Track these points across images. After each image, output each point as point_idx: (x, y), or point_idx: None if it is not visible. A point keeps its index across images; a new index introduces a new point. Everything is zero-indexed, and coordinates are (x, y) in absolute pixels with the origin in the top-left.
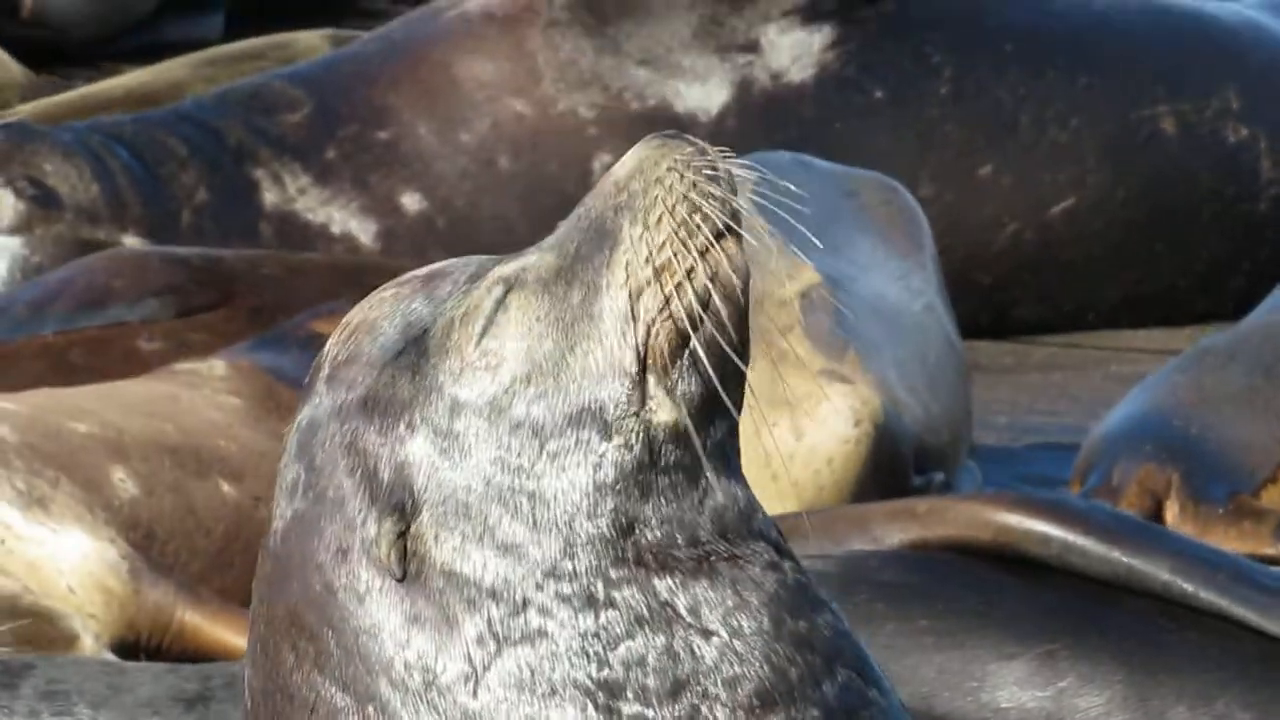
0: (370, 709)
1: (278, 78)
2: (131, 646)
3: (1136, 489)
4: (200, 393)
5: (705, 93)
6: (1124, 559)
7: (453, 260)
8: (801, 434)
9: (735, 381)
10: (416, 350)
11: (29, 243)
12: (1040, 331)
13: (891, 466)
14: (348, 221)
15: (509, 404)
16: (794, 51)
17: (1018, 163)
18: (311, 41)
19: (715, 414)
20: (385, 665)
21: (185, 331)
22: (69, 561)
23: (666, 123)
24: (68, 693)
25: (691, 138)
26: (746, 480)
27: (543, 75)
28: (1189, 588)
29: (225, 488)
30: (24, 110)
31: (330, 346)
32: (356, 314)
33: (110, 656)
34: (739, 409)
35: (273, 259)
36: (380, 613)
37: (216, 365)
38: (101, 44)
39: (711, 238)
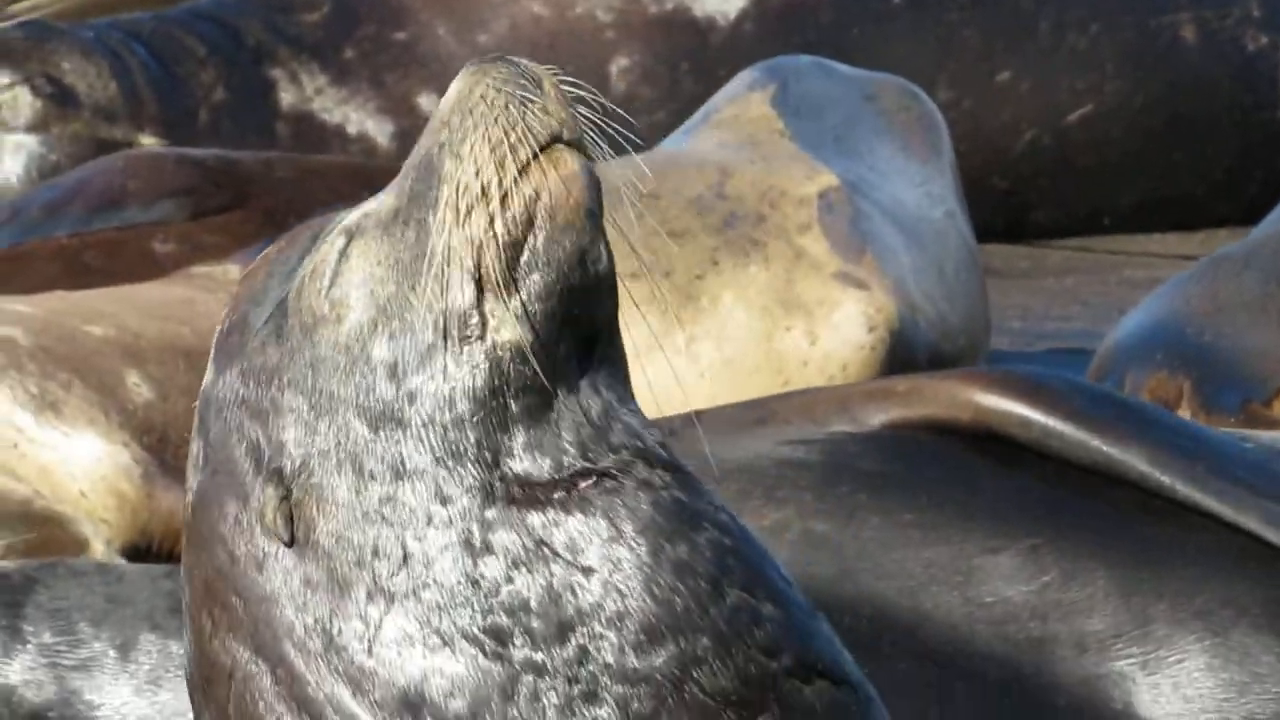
0: (280, 671)
1: None
2: (143, 551)
3: (1148, 397)
4: (215, 296)
5: None
6: (1103, 447)
7: (312, 222)
8: (816, 339)
9: (590, 287)
10: (280, 313)
11: (46, 141)
12: (1055, 235)
13: (906, 373)
14: (364, 122)
15: (360, 351)
16: None
17: (1036, 68)
18: None
19: (564, 326)
20: (288, 629)
21: (200, 233)
22: (81, 465)
23: (683, 27)
24: (67, 610)
25: (512, 58)
26: (620, 390)
27: None
28: (1165, 479)
29: None
30: (47, 6)
31: (222, 319)
32: (237, 292)
33: (121, 562)
34: (607, 313)
35: (287, 161)
36: (278, 579)
37: (232, 269)
38: None
39: (534, 150)
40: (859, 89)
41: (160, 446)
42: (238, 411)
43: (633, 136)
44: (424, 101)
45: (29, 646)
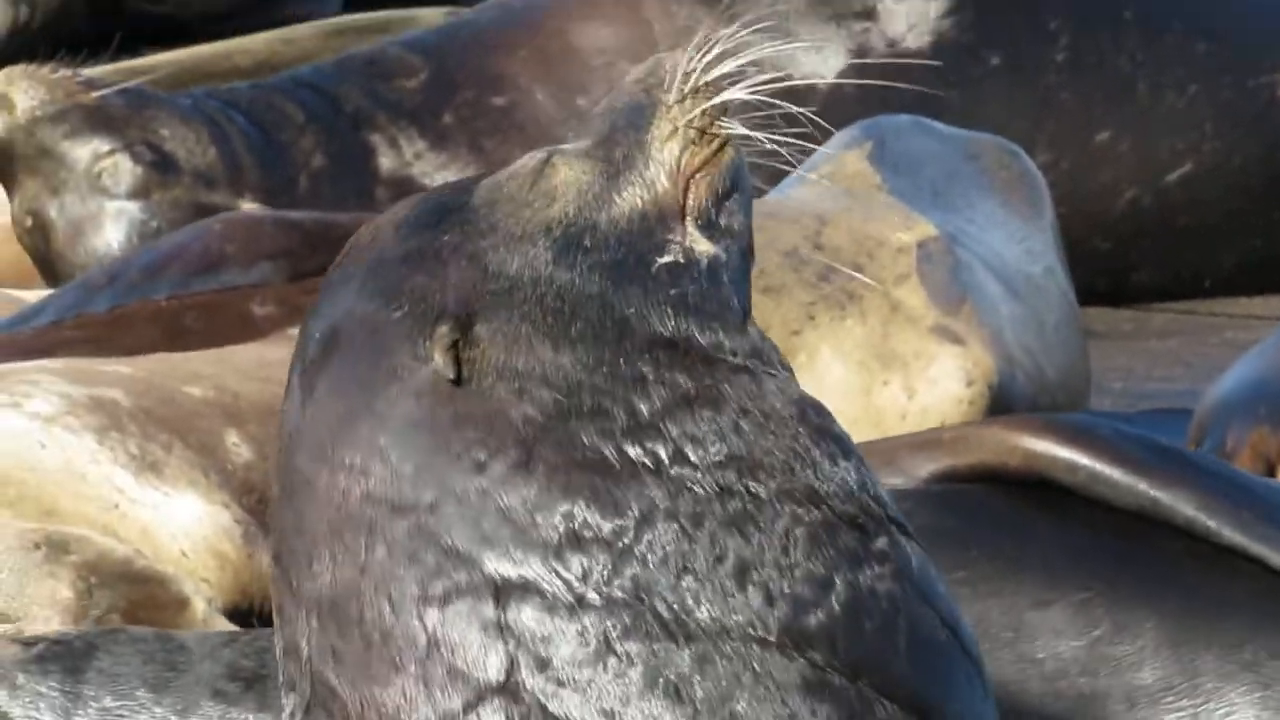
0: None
1: (395, 45)
2: (244, 612)
3: (1250, 453)
4: None
5: (821, 60)
6: (1150, 491)
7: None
8: (914, 393)
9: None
10: (464, 206)
11: (146, 207)
12: (1157, 299)
13: None
14: None
15: (561, 231)
16: (910, 19)
17: (1135, 129)
18: (434, 19)
19: (743, 258)
20: (443, 462)
21: (298, 295)
22: (182, 526)
23: (781, 91)
24: (128, 675)
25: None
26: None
27: (659, 42)
28: (1212, 524)
29: None
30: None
31: (351, 248)
32: (400, 206)
33: (223, 622)
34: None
35: None
36: (430, 412)
37: None
38: (222, 19)
39: (713, 89)
40: (958, 146)
41: (260, 507)
42: (414, 254)
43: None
44: None
45: (90, 710)
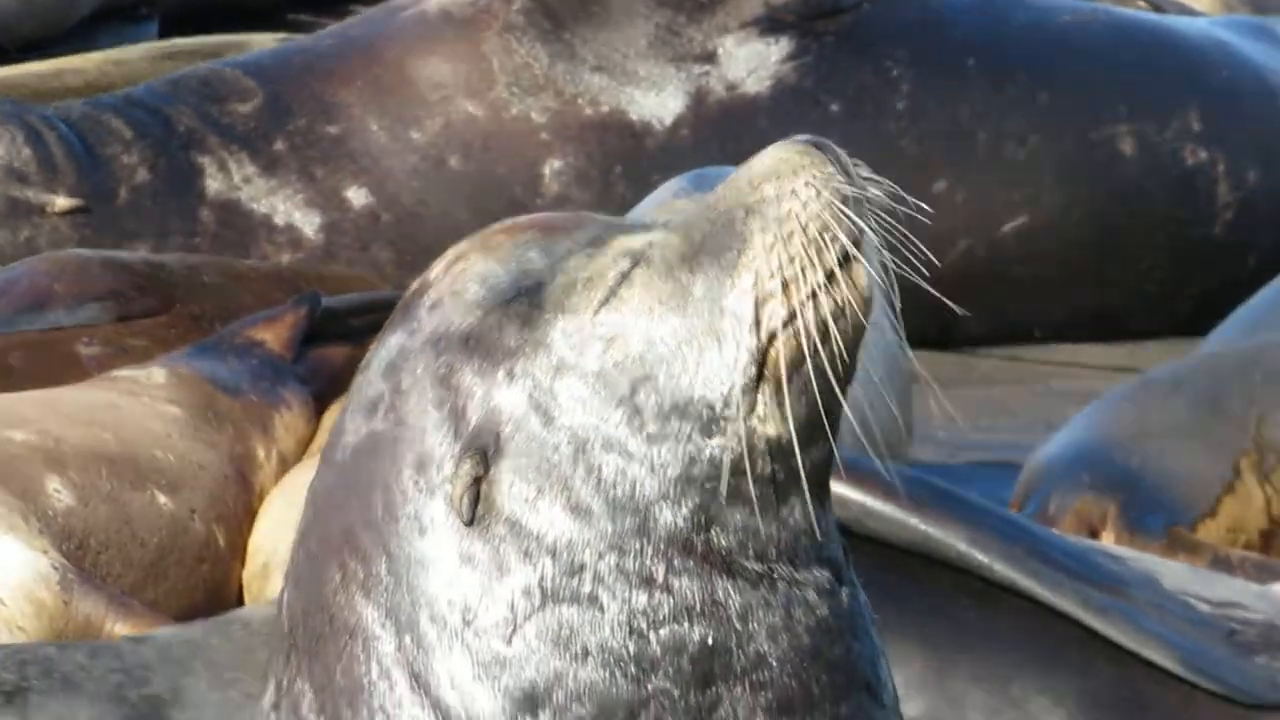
0: (408, 639)
1: (232, 66)
2: None
3: (1073, 518)
4: (139, 401)
5: (660, 101)
6: (921, 526)
7: (567, 215)
8: None
9: (838, 411)
10: (530, 301)
11: None
12: (985, 344)
13: None
14: (292, 213)
15: (616, 378)
16: (750, 63)
17: (973, 179)
18: (266, 44)
19: (817, 438)
20: (430, 599)
21: (125, 337)
22: None
23: (619, 131)
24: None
25: (832, 147)
26: (832, 507)
27: (497, 79)
28: (984, 559)
29: (161, 499)
30: None
31: (435, 276)
32: (469, 249)
33: None
34: (836, 438)
35: (214, 265)
36: (438, 549)
37: (156, 373)
38: (42, 44)
39: (839, 260)
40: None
41: (79, 554)
42: (447, 373)
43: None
44: (353, 195)
45: None
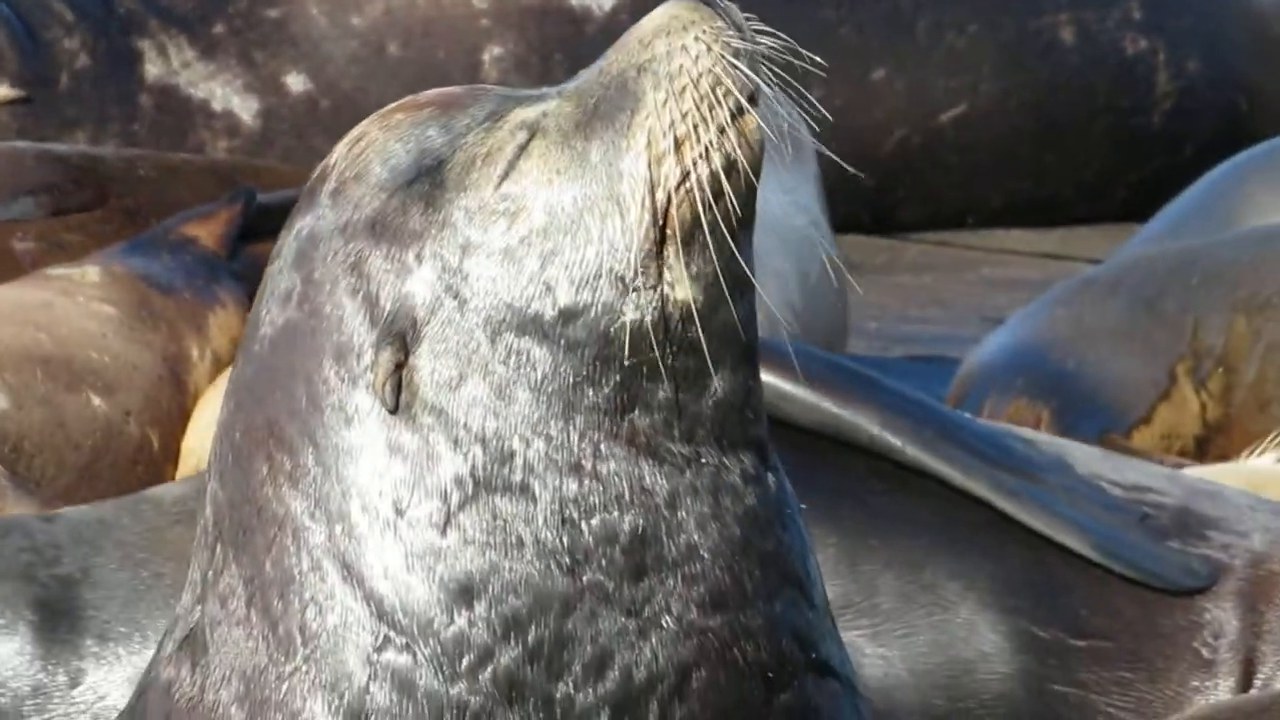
0: (338, 529)
1: None
2: None
3: (1007, 423)
4: (74, 300)
5: None
6: (832, 409)
7: (465, 89)
8: None
9: (741, 271)
10: (431, 181)
11: None
12: (914, 229)
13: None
14: (230, 98)
15: (524, 255)
16: None
17: (911, 68)
18: None
19: (730, 296)
20: (360, 489)
21: (59, 231)
22: None
23: (558, 17)
24: None
25: (722, 2)
26: (758, 383)
27: None
28: (895, 442)
29: (96, 401)
30: None
31: (336, 159)
32: (367, 130)
33: None
34: (753, 284)
35: (149, 159)
36: (364, 437)
37: (90, 271)
38: None
39: (731, 113)
40: None
41: (13, 456)
42: (357, 260)
43: (808, 96)
44: (291, 81)
45: None
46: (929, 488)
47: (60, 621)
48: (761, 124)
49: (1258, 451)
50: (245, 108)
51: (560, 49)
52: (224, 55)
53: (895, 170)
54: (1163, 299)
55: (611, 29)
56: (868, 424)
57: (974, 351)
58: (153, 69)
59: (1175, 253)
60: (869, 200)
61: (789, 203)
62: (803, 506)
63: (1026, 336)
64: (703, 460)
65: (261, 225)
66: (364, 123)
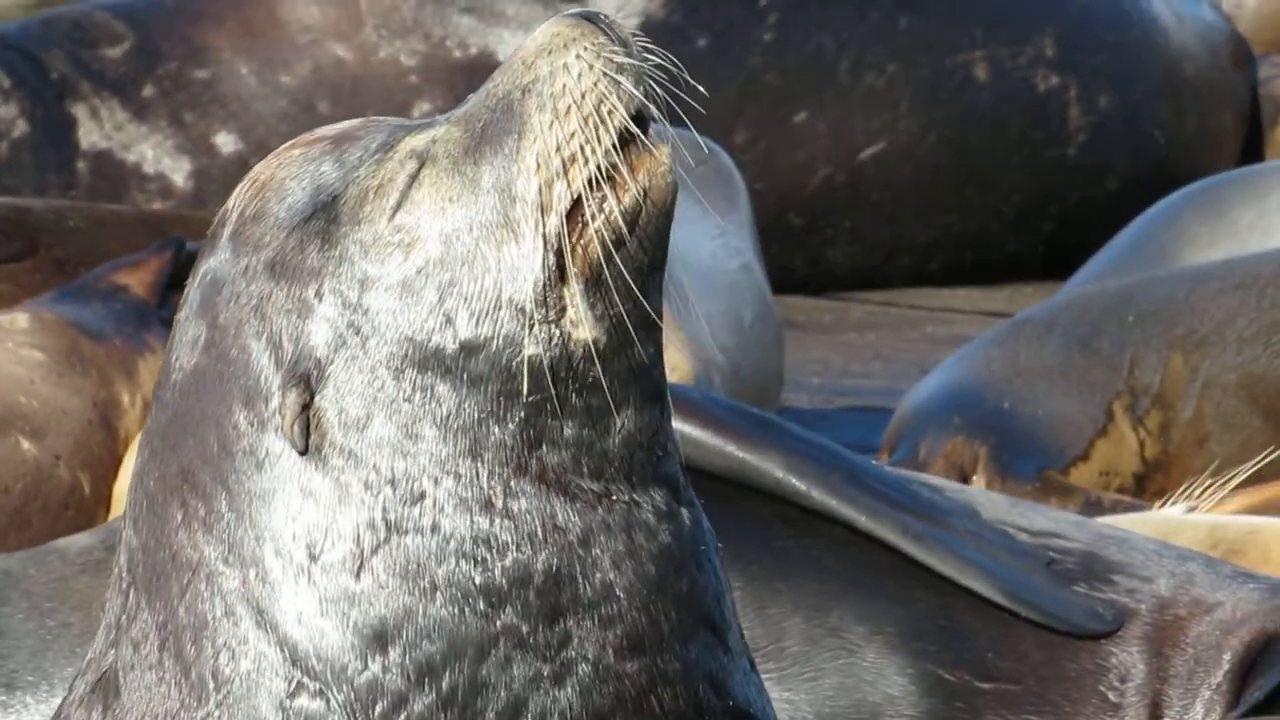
0: (252, 574)
1: (101, 8)
2: None
3: (943, 462)
4: (3, 347)
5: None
6: (738, 454)
7: (358, 122)
8: None
9: (656, 299)
10: (326, 217)
11: None
12: (858, 287)
13: None
14: (161, 160)
15: (422, 286)
16: (618, 0)
17: (833, 109)
18: None
19: (637, 334)
20: (274, 534)
21: None
22: None
23: (488, 72)
24: None
25: (604, 19)
26: (669, 404)
27: (365, 21)
28: (800, 486)
29: (25, 445)
30: None
31: (235, 201)
32: (263, 170)
33: None
34: (659, 327)
35: (79, 210)
36: (276, 482)
37: (19, 318)
38: None
39: (616, 135)
40: None
41: None
42: (259, 302)
43: (700, 109)
44: (221, 141)
45: None
46: (835, 532)
47: None
48: (671, 163)
49: (1170, 502)
50: (177, 169)
51: None
52: (155, 117)
53: (821, 209)
54: (1099, 337)
55: None
56: (773, 468)
57: (910, 392)
58: (87, 134)
59: (1111, 291)
60: (798, 239)
61: (718, 246)
62: (719, 545)
63: (963, 376)
64: (614, 497)
65: (190, 273)
66: (261, 162)
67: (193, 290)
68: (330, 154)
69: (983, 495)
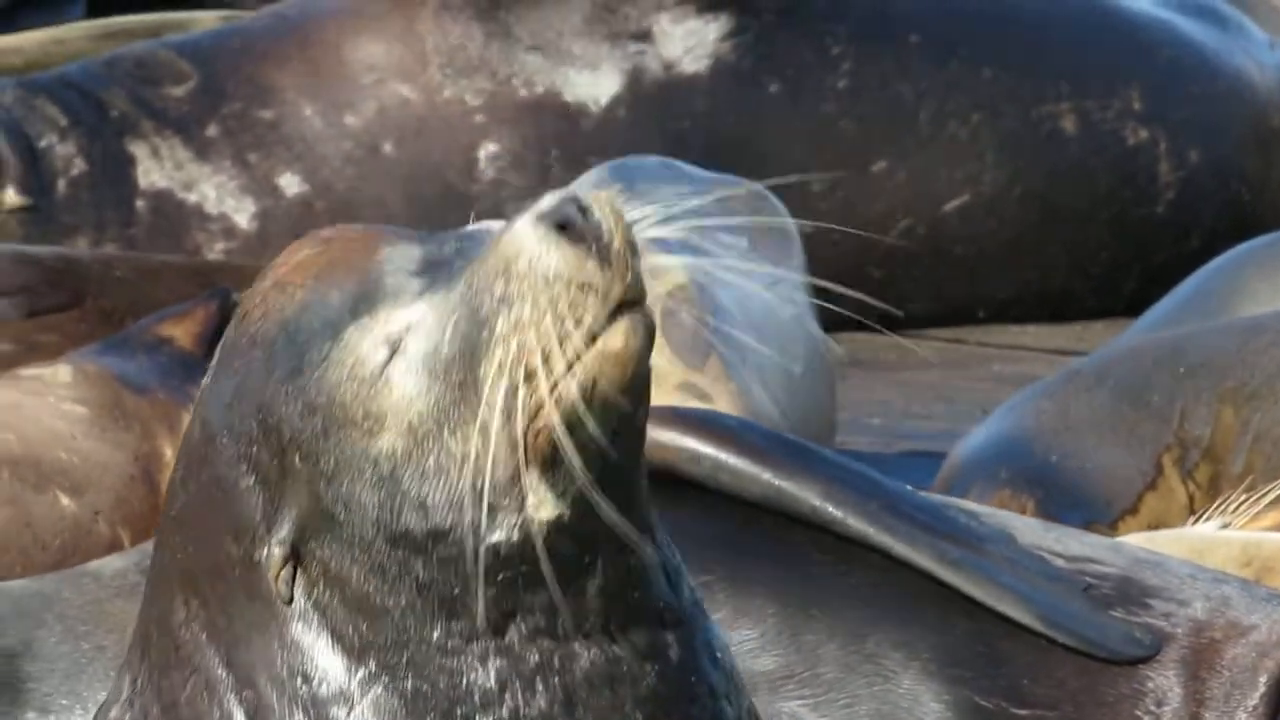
0: (248, 693)
1: (167, 48)
2: None
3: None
4: (44, 400)
5: (595, 81)
6: (774, 481)
7: (354, 241)
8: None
9: (629, 457)
10: (306, 381)
11: None
12: (928, 325)
13: None
14: (224, 200)
15: (390, 474)
16: (687, 42)
17: (913, 159)
18: (208, 22)
19: (600, 501)
20: (268, 663)
21: (34, 333)
22: None
23: (554, 113)
24: None
25: (587, 205)
26: (656, 541)
27: (430, 60)
28: (837, 514)
29: (64, 501)
30: None
31: (239, 332)
32: (264, 295)
33: None
34: (638, 476)
35: (126, 260)
36: (266, 617)
37: (62, 371)
38: None
39: (584, 342)
40: (706, 189)
41: None
42: (247, 447)
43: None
44: (285, 182)
45: None
46: (871, 559)
47: (1, 694)
48: (637, 344)
49: (1204, 518)
50: (241, 210)
51: (556, 144)
52: (218, 157)
53: (901, 262)
54: (1149, 389)
55: (607, 124)
56: (810, 495)
57: (960, 443)
58: (147, 173)
59: (1162, 342)
60: (876, 293)
61: (771, 296)
62: (724, 644)
63: (1012, 428)
64: (592, 651)
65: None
66: (264, 280)
67: (198, 400)
68: (315, 303)
69: (1019, 520)
